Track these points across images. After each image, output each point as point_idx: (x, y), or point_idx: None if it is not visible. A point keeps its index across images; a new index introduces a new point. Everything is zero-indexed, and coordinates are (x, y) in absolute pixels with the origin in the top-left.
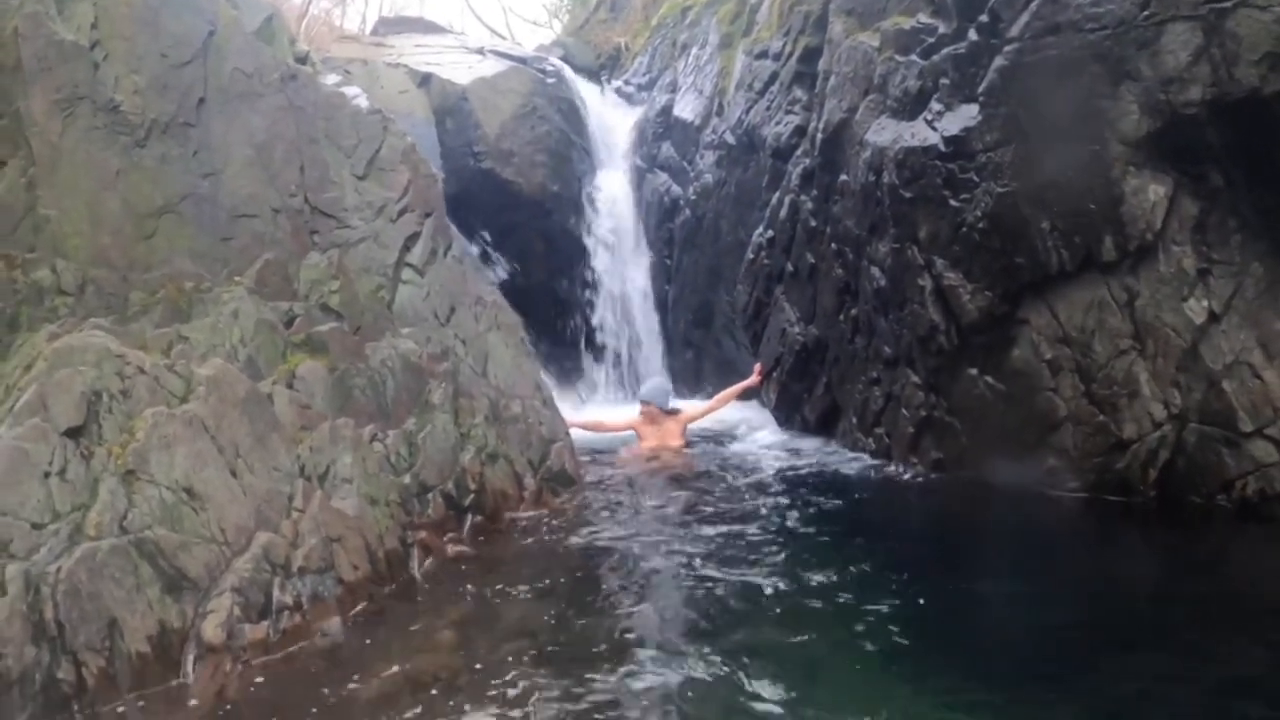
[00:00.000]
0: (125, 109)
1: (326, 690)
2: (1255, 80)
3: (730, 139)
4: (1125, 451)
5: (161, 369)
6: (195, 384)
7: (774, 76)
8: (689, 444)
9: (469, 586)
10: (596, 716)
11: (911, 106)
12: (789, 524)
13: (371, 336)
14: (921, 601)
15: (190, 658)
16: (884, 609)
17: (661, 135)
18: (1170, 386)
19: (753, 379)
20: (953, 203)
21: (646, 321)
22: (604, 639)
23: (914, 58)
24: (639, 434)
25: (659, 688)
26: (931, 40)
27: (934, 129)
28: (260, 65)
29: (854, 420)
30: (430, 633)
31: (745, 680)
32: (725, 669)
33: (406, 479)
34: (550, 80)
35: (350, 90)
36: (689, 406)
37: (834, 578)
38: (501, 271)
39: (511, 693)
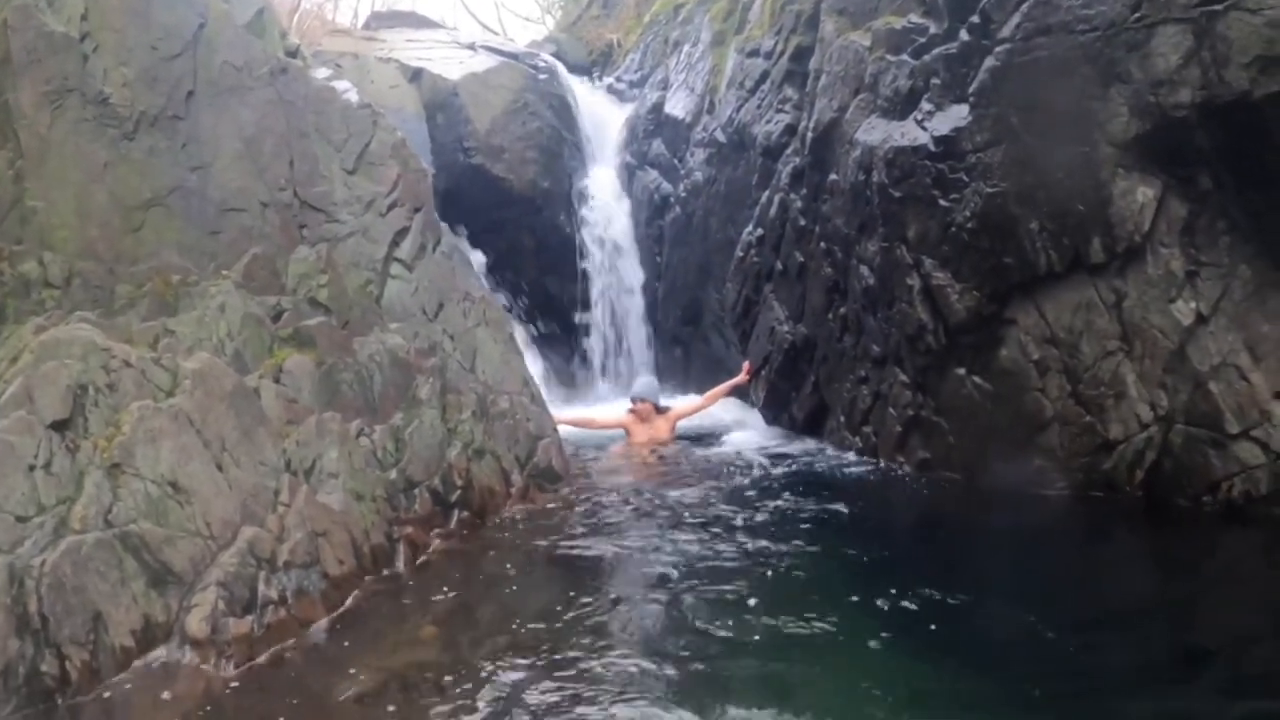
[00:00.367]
0: (114, 101)
1: (311, 685)
2: (1245, 83)
3: (721, 137)
4: (1112, 452)
5: (148, 362)
6: (181, 378)
7: (765, 75)
8: (677, 441)
9: (455, 582)
10: (581, 712)
11: (902, 106)
12: (775, 523)
13: (359, 331)
14: (905, 602)
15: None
16: (867, 606)
17: (652, 132)
18: (1157, 388)
19: (741, 377)
20: (942, 203)
21: (636, 318)
22: (589, 636)
23: (905, 57)
24: (628, 431)
25: (643, 683)
26: (923, 40)
27: (924, 129)
28: (250, 59)
29: (842, 419)
30: (415, 628)
31: (730, 677)
32: (710, 665)
33: (393, 474)
34: (542, 76)
35: (341, 84)
36: (678, 404)
37: (819, 575)
38: (488, 266)
39: (496, 688)
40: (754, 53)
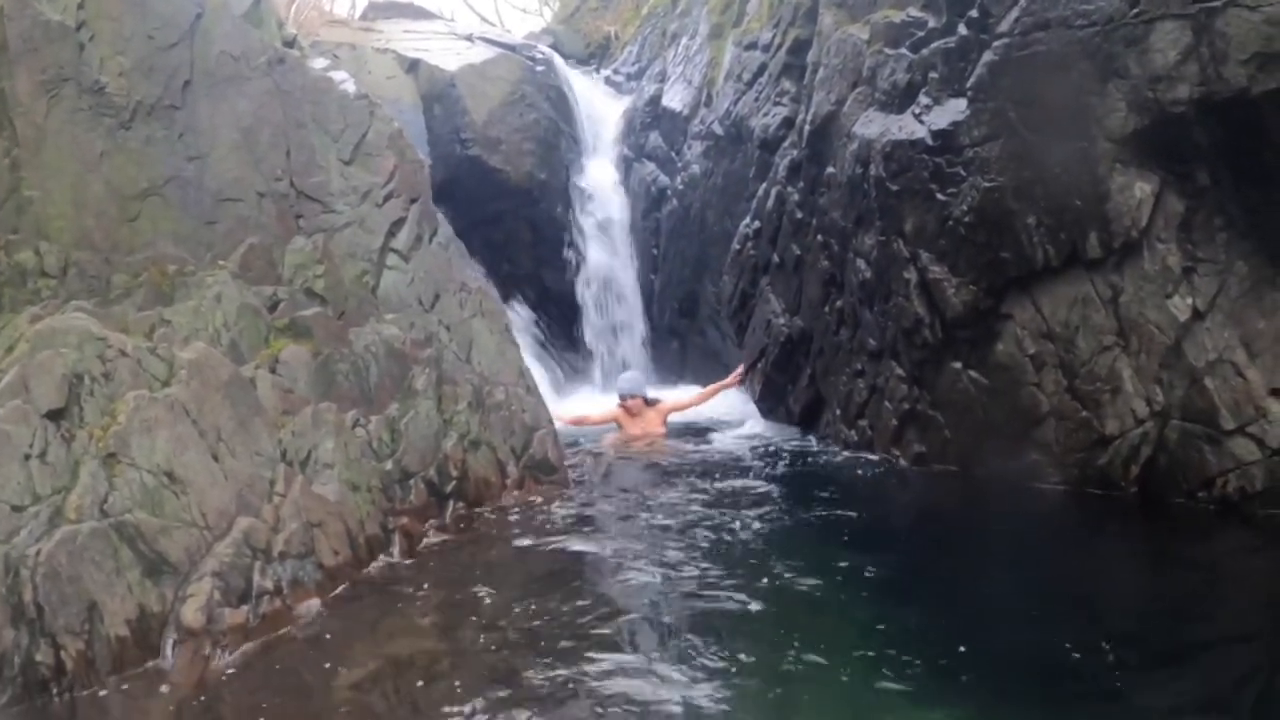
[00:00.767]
0: (111, 90)
1: (305, 674)
2: (1244, 80)
3: (718, 129)
4: (1107, 447)
5: (144, 352)
6: (177, 367)
7: (763, 68)
8: (671, 434)
9: (450, 573)
10: (575, 702)
11: (900, 100)
12: (769, 515)
13: (355, 322)
14: (900, 597)
15: (169, 642)
16: (861, 600)
17: (650, 125)
18: (1153, 383)
19: (732, 379)
20: (939, 196)
21: (632, 311)
22: (583, 627)
23: (903, 51)
24: (621, 424)
25: (638, 672)
26: (921, 34)
27: (922, 123)
28: (247, 48)
29: (837, 412)
30: (410, 619)
31: (726, 666)
32: (706, 655)
33: (388, 465)
34: (539, 68)
35: (338, 75)
36: (670, 396)
37: (814, 567)
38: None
39: (490, 679)
40: (752, 45)
